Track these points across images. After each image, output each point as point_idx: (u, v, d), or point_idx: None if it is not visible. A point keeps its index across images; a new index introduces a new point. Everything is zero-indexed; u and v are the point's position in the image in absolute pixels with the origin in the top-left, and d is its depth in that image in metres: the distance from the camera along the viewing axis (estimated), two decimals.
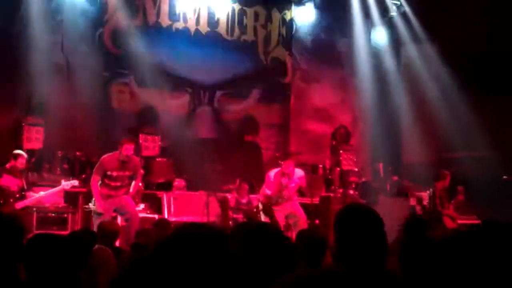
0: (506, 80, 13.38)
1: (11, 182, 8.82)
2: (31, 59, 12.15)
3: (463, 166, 12.64)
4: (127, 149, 8.78)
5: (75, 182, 9.19)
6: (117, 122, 13.11)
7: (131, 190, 9.06)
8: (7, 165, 8.96)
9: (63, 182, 9.28)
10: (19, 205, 8.72)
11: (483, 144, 13.44)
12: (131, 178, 9.06)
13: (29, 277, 3.05)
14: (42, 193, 9.38)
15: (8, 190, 8.75)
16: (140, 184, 11.38)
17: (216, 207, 10.68)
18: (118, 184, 8.82)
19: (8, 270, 2.94)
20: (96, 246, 5.61)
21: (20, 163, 9.03)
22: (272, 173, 9.89)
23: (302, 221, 9.51)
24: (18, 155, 9.12)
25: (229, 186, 11.17)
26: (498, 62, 13.24)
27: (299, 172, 9.99)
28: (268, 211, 9.46)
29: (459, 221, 10.30)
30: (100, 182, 8.89)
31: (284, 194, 9.66)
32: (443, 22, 14.10)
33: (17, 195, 8.79)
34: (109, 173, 8.74)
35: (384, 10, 15.01)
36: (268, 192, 9.72)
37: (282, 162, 9.94)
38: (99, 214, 8.69)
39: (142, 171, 9.54)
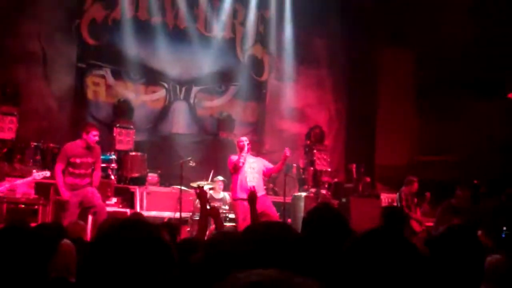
0: (481, 85, 13.55)
1: None
2: (6, 48, 12.04)
3: (435, 170, 12.81)
4: (95, 135, 8.69)
5: (47, 173, 9.08)
6: (92, 114, 13.03)
7: (93, 182, 8.93)
8: None
9: (35, 173, 9.17)
10: None
11: (456, 148, 13.63)
12: (93, 166, 8.94)
13: None
14: (18, 181, 9.28)
15: None
16: (113, 177, 11.37)
17: (189, 203, 10.66)
18: (82, 171, 8.70)
19: None
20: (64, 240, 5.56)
21: None
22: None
23: (274, 220, 9.43)
24: None
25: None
26: (474, 67, 13.40)
27: (260, 159, 9.80)
28: (241, 205, 9.32)
29: (427, 224, 10.44)
30: (64, 170, 8.74)
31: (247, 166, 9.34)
32: (419, 25, 14.24)
33: None
34: (72, 160, 8.61)
35: (360, 10, 15.09)
36: (234, 158, 9.41)
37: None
38: (65, 202, 8.55)
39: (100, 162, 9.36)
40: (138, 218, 2.03)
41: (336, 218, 2.96)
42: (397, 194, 10.62)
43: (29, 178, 9.25)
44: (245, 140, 9.47)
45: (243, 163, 9.22)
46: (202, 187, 10.24)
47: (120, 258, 1.83)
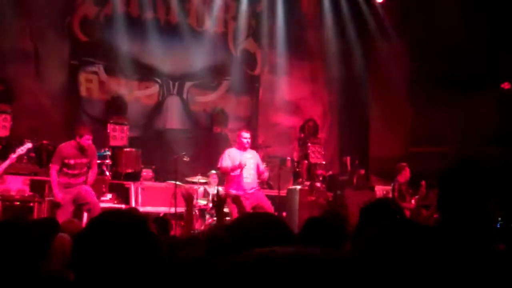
0: (474, 76, 13.60)
1: None
2: None
3: (428, 161, 12.83)
4: (88, 139, 8.71)
5: (29, 145, 8.93)
6: (85, 111, 13.05)
7: (88, 181, 8.95)
8: None
9: (18, 149, 8.85)
10: None
11: (449, 139, 13.68)
12: (89, 166, 8.97)
13: None
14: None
15: None
16: (108, 173, 11.39)
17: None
18: (76, 172, 8.73)
19: None
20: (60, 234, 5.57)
21: None
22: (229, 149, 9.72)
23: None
24: None
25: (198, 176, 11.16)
26: (466, 58, 13.44)
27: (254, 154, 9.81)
28: (236, 200, 9.37)
29: (422, 211, 10.49)
30: (59, 171, 8.77)
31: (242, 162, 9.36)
32: (415, 18, 14.27)
33: None
34: (66, 161, 8.65)
35: (355, 3, 15.10)
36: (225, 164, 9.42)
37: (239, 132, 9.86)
38: (57, 204, 8.60)
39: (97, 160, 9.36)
40: (127, 209, 2.10)
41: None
42: (391, 185, 10.66)
43: (14, 156, 8.89)
44: (248, 137, 9.47)
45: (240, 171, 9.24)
46: (189, 190, 10.31)
47: (106, 243, 1.90)
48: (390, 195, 11.21)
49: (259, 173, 9.60)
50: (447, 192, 2.85)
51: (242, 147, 9.42)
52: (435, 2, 13.89)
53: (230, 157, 9.33)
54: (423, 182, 10.44)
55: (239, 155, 9.32)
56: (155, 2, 13.83)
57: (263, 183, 10.99)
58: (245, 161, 9.20)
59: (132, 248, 1.91)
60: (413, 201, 10.49)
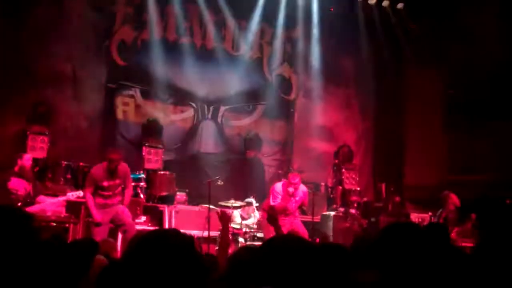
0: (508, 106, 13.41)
1: (19, 185, 8.79)
2: (38, 68, 12.25)
3: (465, 189, 12.61)
4: (115, 163, 8.80)
5: (80, 193, 9.17)
6: (121, 133, 13.17)
7: (124, 201, 9.03)
8: (15, 168, 8.95)
9: (69, 193, 9.26)
10: None
11: (486, 168, 13.44)
12: (122, 186, 9.05)
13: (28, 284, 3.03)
14: (51, 200, 9.38)
15: (15, 194, 8.72)
16: (142, 196, 11.44)
17: (217, 222, 10.66)
18: (110, 193, 8.85)
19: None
20: (97, 256, 5.58)
21: (27, 161, 9.01)
22: (279, 184, 9.90)
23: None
24: (23, 154, 9.19)
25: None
26: (503, 86, 13.28)
27: (303, 187, 9.99)
28: (273, 220, 9.39)
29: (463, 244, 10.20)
30: (94, 192, 8.89)
31: (288, 207, 9.63)
32: (452, 44, 14.15)
33: (22, 200, 8.76)
34: (100, 184, 8.77)
35: (390, 29, 15.04)
36: (273, 203, 9.66)
37: (289, 174, 10.03)
38: (97, 224, 8.71)
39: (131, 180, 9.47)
40: (171, 230, 2.04)
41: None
42: (438, 211, 10.38)
43: (63, 198, 9.33)
44: (297, 181, 9.60)
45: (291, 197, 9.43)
46: (224, 210, 10.31)
47: (153, 267, 1.85)
48: (425, 223, 11.04)
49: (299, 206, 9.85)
50: (486, 217, 2.82)
51: (288, 189, 9.55)
52: (473, 27, 13.75)
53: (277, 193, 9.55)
54: (473, 216, 10.11)
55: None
56: (191, 27, 13.98)
57: None
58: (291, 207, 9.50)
59: (181, 272, 1.85)
60: (453, 232, 10.20)
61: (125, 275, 1.90)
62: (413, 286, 2.49)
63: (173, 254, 1.88)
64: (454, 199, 10.15)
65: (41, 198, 9.24)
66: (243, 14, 14.23)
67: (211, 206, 10.35)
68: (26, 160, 9.04)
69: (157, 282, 1.85)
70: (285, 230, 9.48)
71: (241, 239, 10.36)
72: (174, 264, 1.86)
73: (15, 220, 2.69)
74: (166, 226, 11.07)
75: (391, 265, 2.53)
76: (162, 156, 12.68)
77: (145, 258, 1.88)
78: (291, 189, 9.49)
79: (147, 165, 12.37)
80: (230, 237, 10.44)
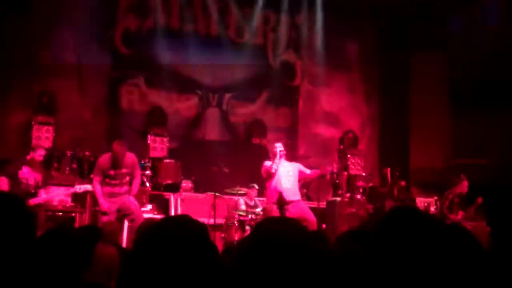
0: None
1: (29, 175, 8.84)
2: (42, 58, 12.27)
3: (471, 173, 12.59)
4: (119, 153, 8.80)
5: (88, 187, 9.18)
6: (126, 122, 13.19)
7: (132, 191, 9.03)
8: (28, 157, 9.02)
9: (77, 186, 9.27)
10: (33, 201, 8.73)
11: (491, 151, 13.40)
12: (130, 175, 9.05)
13: (33, 274, 3.04)
14: (57, 191, 9.44)
15: (25, 184, 8.78)
16: (148, 184, 11.47)
17: (223, 209, 10.70)
18: (118, 182, 8.86)
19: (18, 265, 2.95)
20: (100, 243, 5.58)
21: (39, 155, 9.07)
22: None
23: (312, 225, 9.22)
24: (37, 146, 9.22)
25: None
26: (508, 69, 13.20)
27: (287, 163, 9.71)
28: (282, 203, 9.20)
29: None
30: (102, 181, 8.90)
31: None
32: (456, 28, 14.08)
33: (32, 191, 8.81)
34: (106, 172, 8.80)
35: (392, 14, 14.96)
36: (267, 164, 9.44)
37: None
38: (104, 213, 8.74)
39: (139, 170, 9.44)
40: (184, 216, 2.01)
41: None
42: (445, 193, 10.44)
43: (70, 190, 9.34)
44: (279, 146, 9.43)
45: (276, 170, 9.19)
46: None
47: (164, 255, 1.83)
48: (434, 206, 11.05)
49: (308, 175, 9.58)
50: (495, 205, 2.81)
51: (275, 157, 9.31)
52: (476, 11, 13.67)
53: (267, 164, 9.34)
54: (479, 199, 10.19)
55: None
56: (195, 14, 13.95)
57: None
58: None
59: (192, 262, 1.83)
60: (459, 214, 10.26)
61: (143, 266, 1.88)
62: (414, 272, 2.48)
63: (188, 242, 1.86)
64: (464, 186, 10.27)
65: (49, 188, 9.29)
66: (247, 1, 14.19)
67: (217, 194, 10.37)
68: (39, 155, 9.09)
69: (173, 270, 1.83)
70: (292, 215, 9.06)
71: (247, 226, 10.38)
72: (189, 252, 1.84)
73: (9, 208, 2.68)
74: (172, 213, 11.10)
75: (393, 250, 2.53)
76: (167, 144, 12.69)
77: (160, 246, 1.86)
78: (274, 165, 9.24)
79: (152, 154, 12.39)
80: (237, 225, 10.46)
